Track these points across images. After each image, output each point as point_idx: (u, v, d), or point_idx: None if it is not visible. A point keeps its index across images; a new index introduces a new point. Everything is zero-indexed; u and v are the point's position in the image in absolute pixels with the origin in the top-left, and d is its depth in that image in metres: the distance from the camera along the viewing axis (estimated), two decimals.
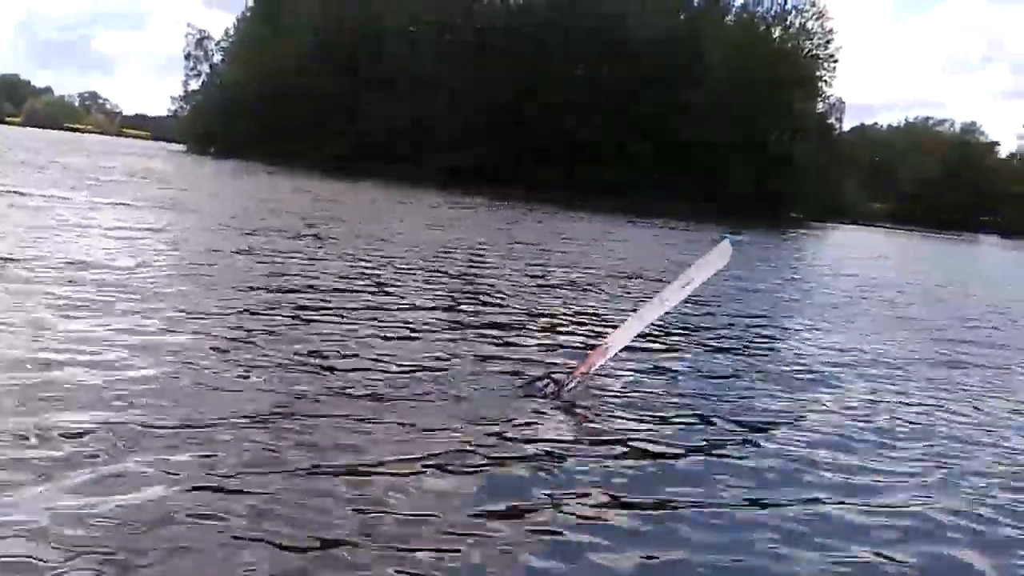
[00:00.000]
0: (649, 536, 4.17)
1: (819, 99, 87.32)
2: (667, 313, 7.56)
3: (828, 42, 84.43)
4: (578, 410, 6.24)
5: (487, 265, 15.37)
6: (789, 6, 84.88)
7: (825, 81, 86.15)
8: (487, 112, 72.30)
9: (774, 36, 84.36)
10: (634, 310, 7.90)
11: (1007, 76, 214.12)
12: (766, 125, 75.92)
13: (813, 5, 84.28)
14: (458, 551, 3.79)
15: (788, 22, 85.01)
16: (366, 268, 12.74)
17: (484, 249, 18.02)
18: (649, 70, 74.16)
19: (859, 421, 6.70)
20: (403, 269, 13.22)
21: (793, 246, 40.23)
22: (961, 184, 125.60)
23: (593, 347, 7.37)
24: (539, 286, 13.27)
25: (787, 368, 8.69)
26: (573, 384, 6.62)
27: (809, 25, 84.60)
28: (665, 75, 74.75)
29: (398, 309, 9.52)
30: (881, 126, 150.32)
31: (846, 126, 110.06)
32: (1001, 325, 15.47)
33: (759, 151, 74.42)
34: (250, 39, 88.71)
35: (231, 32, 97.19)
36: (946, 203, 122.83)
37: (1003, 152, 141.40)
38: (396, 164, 67.35)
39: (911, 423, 6.86)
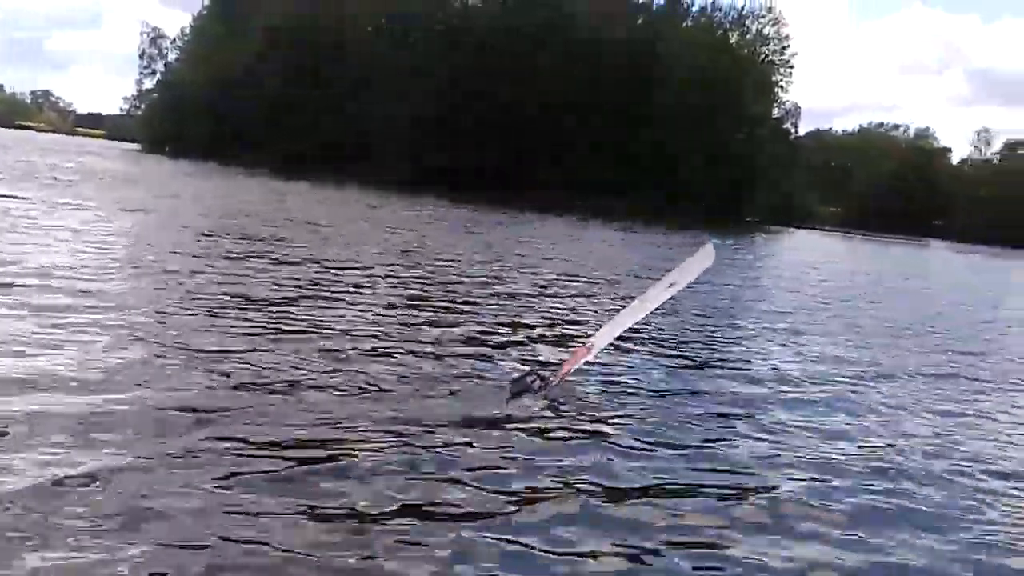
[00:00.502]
0: (629, 522, 4.34)
1: (776, 104, 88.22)
2: (652, 313, 7.92)
3: (784, 48, 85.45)
4: (563, 405, 6.39)
5: (452, 270, 15.18)
6: (746, 11, 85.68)
7: (782, 86, 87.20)
8: (447, 113, 72.19)
9: (732, 41, 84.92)
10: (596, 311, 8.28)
11: (962, 82, 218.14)
12: (724, 129, 76.40)
13: (770, 11, 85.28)
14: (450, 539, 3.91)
15: (745, 27, 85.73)
16: (336, 273, 12.53)
17: (447, 254, 17.81)
18: (608, 73, 74.40)
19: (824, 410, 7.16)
20: (366, 273, 13.04)
21: (754, 250, 40.44)
22: (914, 189, 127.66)
23: (578, 346, 7.67)
24: (510, 293, 13.09)
25: (761, 368, 9.00)
26: (559, 381, 6.82)
27: (766, 31, 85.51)
28: (624, 78, 75.01)
29: (371, 312, 9.50)
30: (837, 131, 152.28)
31: (803, 131, 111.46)
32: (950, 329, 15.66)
33: (717, 155, 74.91)
34: (206, 38, 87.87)
35: (187, 31, 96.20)
36: (900, 208, 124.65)
37: (955, 158, 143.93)
38: (352, 165, 67.10)
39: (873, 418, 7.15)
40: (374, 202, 37.59)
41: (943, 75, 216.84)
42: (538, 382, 6.72)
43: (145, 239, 14.50)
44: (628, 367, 8.00)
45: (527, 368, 7.23)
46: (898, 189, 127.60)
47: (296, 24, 78.55)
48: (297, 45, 77.64)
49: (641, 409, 6.56)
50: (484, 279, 14.20)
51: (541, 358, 7.97)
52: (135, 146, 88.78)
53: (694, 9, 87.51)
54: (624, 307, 8.34)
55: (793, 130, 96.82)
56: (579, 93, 73.43)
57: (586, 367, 7.32)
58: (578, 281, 15.62)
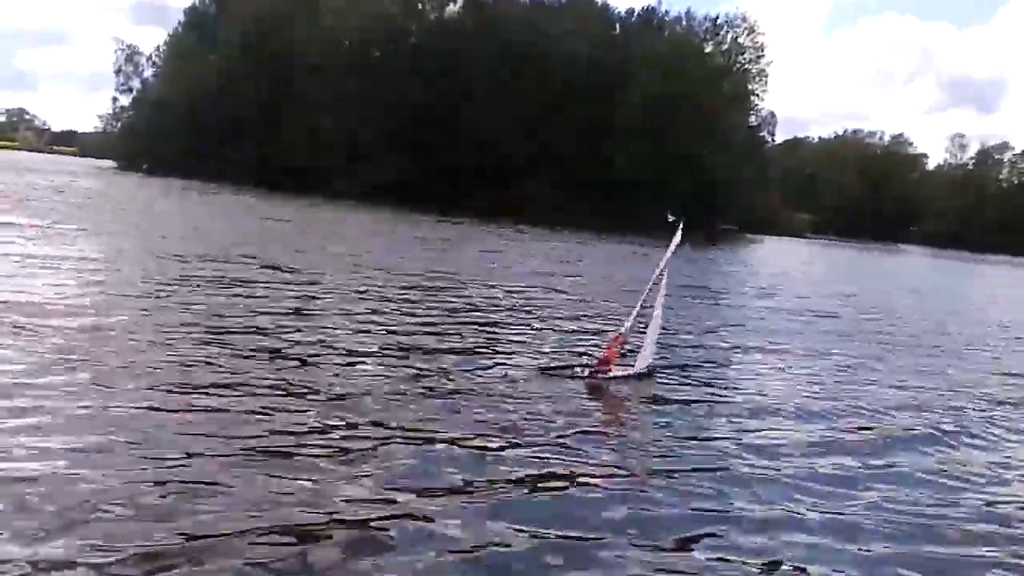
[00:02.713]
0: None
1: (751, 112, 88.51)
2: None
3: (759, 57, 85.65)
4: (596, 394, 7.68)
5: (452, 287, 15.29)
6: (721, 21, 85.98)
7: (757, 95, 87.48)
8: (415, 128, 72.20)
9: (707, 51, 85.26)
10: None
11: (936, 89, 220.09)
12: (699, 138, 76.50)
13: (744, 20, 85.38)
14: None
15: (720, 37, 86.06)
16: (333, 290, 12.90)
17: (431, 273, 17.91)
18: (583, 84, 74.61)
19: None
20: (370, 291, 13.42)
21: (731, 258, 40.71)
22: (890, 195, 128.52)
23: (609, 342, 8.69)
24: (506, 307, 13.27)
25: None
26: (590, 372, 8.04)
27: (741, 40, 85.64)
28: (599, 89, 75.19)
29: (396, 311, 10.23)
30: (812, 139, 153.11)
31: (779, 139, 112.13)
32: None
33: (692, 164, 75.06)
34: (182, 55, 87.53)
35: (163, 48, 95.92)
36: (874, 214, 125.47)
37: (931, 164, 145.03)
38: (324, 180, 67.16)
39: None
40: (364, 221, 37.64)
41: (918, 82, 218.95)
42: (575, 372, 7.93)
43: (130, 264, 14.47)
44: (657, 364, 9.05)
45: (566, 358, 8.50)
46: (873, 196, 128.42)
47: (266, 41, 78.48)
48: (271, 60, 77.53)
49: (665, 402, 7.79)
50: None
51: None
52: (110, 164, 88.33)
53: (669, 19, 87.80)
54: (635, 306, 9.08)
55: (769, 138, 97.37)
56: (554, 104, 73.57)
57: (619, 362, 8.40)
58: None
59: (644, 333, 8.89)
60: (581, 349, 9.85)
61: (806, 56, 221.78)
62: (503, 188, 70.82)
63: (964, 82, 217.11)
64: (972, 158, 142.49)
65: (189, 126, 78.92)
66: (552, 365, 8.33)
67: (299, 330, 9.43)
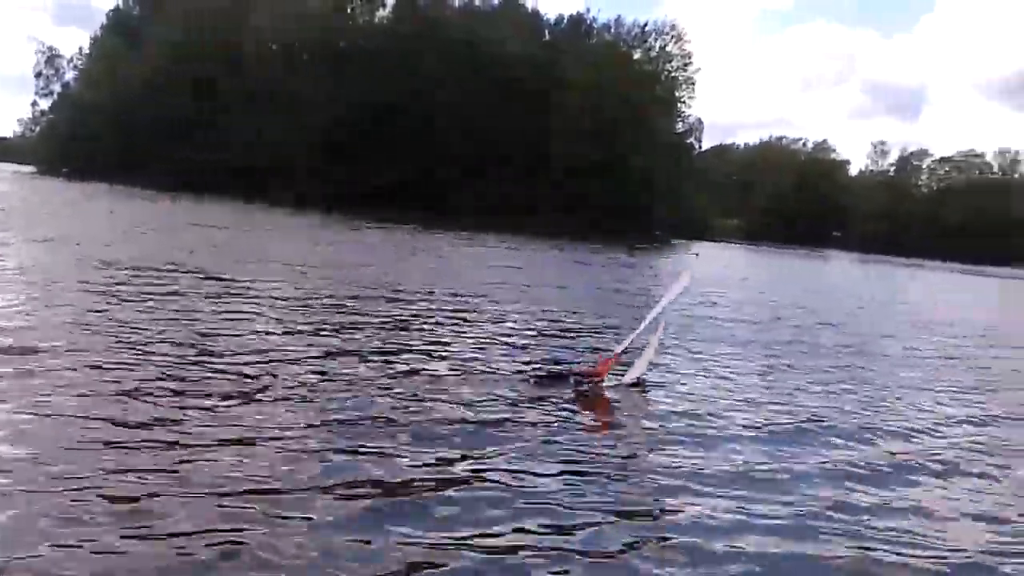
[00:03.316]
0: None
1: (679, 119, 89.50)
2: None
3: (687, 64, 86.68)
4: (597, 401, 8.22)
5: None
6: (649, 29, 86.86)
7: (684, 102, 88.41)
8: (350, 132, 71.76)
9: (635, 58, 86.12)
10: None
11: (861, 95, 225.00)
12: (627, 144, 77.18)
13: (672, 28, 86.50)
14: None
15: (648, 44, 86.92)
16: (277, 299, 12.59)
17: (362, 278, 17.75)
18: (513, 90, 74.79)
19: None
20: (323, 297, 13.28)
21: (662, 263, 41.12)
22: (814, 201, 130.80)
23: (607, 353, 9.36)
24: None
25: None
26: (591, 383, 8.47)
27: (669, 48, 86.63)
28: (530, 96, 75.50)
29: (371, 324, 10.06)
30: (739, 145, 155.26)
31: (706, 145, 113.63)
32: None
33: (620, 170, 75.72)
34: (106, 57, 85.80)
35: (85, 50, 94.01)
36: (800, 220, 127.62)
37: (853, 170, 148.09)
38: (256, 185, 66.17)
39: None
40: (292, 226, 37.16)
41: (843, 88, 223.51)
42: (574, 380, 8.33)
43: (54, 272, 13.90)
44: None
45: (562, 366, 8.78)
46: (798, 201, 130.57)
47: (197, 43, 77.35)
48: (197, 62, 76.40)
49: (661, 410, 8.12)
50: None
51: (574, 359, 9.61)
52: (30, 168, 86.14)
53: (598, 26, 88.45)
54: (635, 327, 9.68)
55: (696, 145, 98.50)
56: (485, 111, 73.66)
57: (612, 375, 8.83)
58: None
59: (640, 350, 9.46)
60: (546, 354, 10.04)
61: (733, 63, 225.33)
62: (439, 192, 70.75)
63: (887, 89, 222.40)
64: (893, 164, 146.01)
65: (113, 130, 77.42)
66: (544, 373, 8.66)
67: (233, 339, 9.23)
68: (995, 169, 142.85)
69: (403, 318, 12.32)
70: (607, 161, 74.77)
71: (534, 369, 8.80)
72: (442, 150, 72.61)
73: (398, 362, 8.88)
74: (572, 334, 12.45)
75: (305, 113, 72.13)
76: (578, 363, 9.30)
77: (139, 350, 8.12)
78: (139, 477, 4.96)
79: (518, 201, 70.59)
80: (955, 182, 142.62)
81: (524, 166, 74.34)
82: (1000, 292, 49.72)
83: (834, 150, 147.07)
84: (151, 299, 11.49)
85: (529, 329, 12.61)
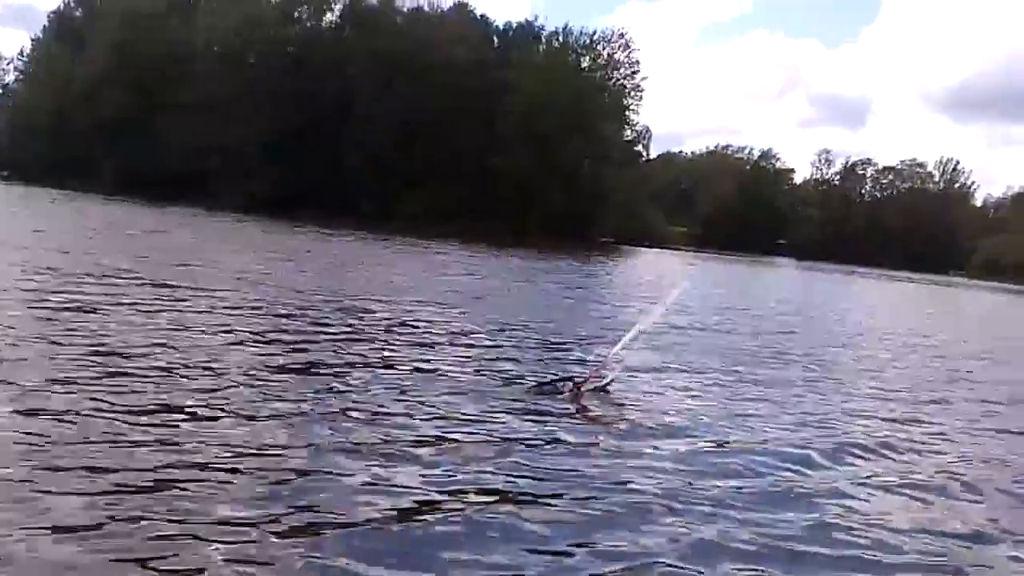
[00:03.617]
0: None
1: (626, 127, 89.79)
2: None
3: (635, 72, 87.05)
4: (592, 405, 8.39)
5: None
6: (598, 37, 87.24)
7: (632, 109, 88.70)
8: (293, 137, 71.42)
9: (583, 65, 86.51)
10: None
11: (805, 105, 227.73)
12: (575, 151, 77.53)
13: (621, 36, 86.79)
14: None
15: (597, 52, 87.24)
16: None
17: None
18: (461, 97, 74.85)
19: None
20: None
21: (609, 269, 41.42)
22: (759, 209, 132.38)
23: (602, 358, 9.61)
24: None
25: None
26: (589, 387, 8.76)
27: (617, 56, 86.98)
28: (477, 102, 75.62)
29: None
30: (687, 153, 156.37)
31: (654, 153, 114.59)
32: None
33: (568, 177, 76.16)
34: (47, 59, 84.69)
35: (26, 51, 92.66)
36: (745, 227, 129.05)
37: (797, 179, 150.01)
38: (198, 189, 65.70)
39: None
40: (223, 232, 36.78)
41: (788, 98, 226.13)
42: (570, 385, 8.64)
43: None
44: (645, 381, 10.07)
45: (557, 375, 9.10)
46: (743, 209, 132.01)
47: (137, 46, 76.56)
48: (138, 64, 75.62)
49: (657, 413, 8.41)
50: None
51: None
52: None
53: (546, 33, 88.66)
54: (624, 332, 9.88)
55: (644, 152, 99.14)
56: (431, 116, 73.65)
57: (603, 382, 9.06)
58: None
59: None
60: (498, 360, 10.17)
61: (681, 72, 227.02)
62: (385, 198, 70.58)
63: (832, 99, 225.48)
64: (837, 173, 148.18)
65: (55, 133, 76.43)
66: (543, 383, 8.93)
67: (172, 348, 8.96)
68: (936, 179, 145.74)
69: (361, 329, 12.00)
70: (555, 167, 75.13)
71: (538, 381, 9.04)
72: (388, 154, 72.41)
73: (367, 375, 8.70)
74: (540, 343, 12.36)
75: (248, 116, 71.58)
76: (570, 373, 9.46)
77: (79, 362, 7.76)
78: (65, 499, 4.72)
79: (464, 207, 70.77)
80: (898, 191, 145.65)
81: (470, 172, 74.45)
82: (925, 297, 50.58)
83: (779, 159, 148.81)
84: (83, 308, 10.94)
85: (497, 340, 12.38)
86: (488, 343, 11.96)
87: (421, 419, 7.12)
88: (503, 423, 7.36)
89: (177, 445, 5.72)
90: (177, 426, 6.19)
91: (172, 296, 12.97)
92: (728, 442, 7.60)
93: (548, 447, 6.81)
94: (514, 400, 8.18)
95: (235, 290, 14.82)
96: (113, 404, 6.48)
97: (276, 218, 49.96)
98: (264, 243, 30.66)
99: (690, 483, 6.23)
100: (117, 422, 6.07)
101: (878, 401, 10.85)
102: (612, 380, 9.24)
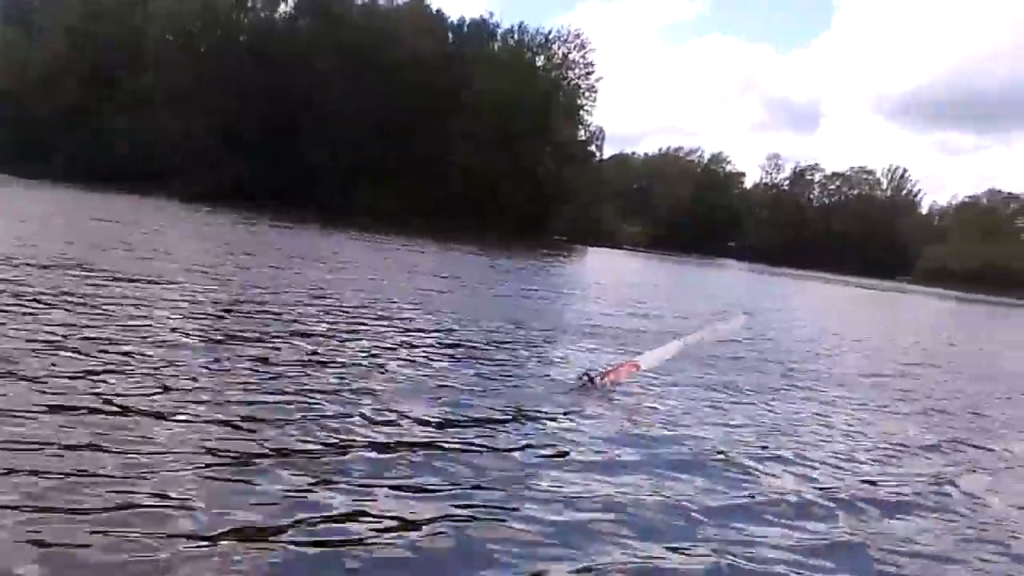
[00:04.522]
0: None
1: (581, 126, 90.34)
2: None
3: (589, 73, 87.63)
4: (610, 400, 8.51)
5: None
6: (553, 36, 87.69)
7: (587, 109, 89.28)
8: (248, 128, 71.46)
9: (539, 65, 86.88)
10: None
11: (758, 109, 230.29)
12: (530, 150, 77.90)
13: (576, 36, 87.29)
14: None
15: (552, 51, 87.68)
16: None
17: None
18: (417, 93, 75.00)
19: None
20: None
21: (565, 268, 41.64)
22: (710, 210, 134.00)
23: (625, 361, 9.96)
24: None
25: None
26: (606, 383, 9.04)
27: (572, 56, 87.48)
28: (433, 99, 75.83)
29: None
30: (640, 154, 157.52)
31: (608, 153, 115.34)
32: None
33: (524, 176, 76.56)
34: (2, 45, 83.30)
35: None
36: (698, 228, 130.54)
37: (748, 182, 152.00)
38: (155, 179, 65.14)
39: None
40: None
41: (741, 101, 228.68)
42: (588, 381, 8.87)
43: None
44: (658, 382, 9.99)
45: (584, 370, 9.16)
46: (695, 210, 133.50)
47: (91, 34, 75.91)
48: (94, 52, 75.02)
49: (665, 412, 8.42)
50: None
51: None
52: None
53: (502, 31, 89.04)
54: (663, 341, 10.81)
55: (598, 152, 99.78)
56: (386, 112, 73.75)
57: (632, 378, 9.53)
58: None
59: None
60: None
61: (636, 72, 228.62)
62: (343, 192, 70.61)
63: (784, 104, 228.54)
64: (787, 178, 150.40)
65: (10, 119, 75.43)
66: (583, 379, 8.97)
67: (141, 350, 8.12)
68: (884, 186, 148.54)
69: (338, 327, 11.34)
70: (509, 165, 75.52)
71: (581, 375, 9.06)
72: (342, 149, 72.53)
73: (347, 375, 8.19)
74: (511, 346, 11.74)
75: (203, 107, 71.47)
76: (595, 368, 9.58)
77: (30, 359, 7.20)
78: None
79: (418, 203, 70.97)
80: (846, 197, 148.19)
81: (425, 168, 74.67)
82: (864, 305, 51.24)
83: (730, 162, 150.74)
84: (37, 300, 10.18)
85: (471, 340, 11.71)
86: (447, 342, 11.35)
87: (373, 421, 6.65)
88: (451, 431, 6.79)
89: (104, 450, 5.21)
90: (108, 431, 5.59)
91: (114, 290, 11.91)
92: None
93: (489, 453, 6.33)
94: (469, 403, 7.67)
95: (201, 284, 13.94)
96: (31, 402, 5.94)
97: (228, 210, 48.98)
98: (211, 234, 30.10)
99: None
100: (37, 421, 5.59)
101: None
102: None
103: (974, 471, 7.94)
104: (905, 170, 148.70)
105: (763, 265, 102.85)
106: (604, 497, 5.56)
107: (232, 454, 5.42)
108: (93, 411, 5.90)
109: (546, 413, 7.67)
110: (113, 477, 4.78)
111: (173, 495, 4.63)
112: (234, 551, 4.13)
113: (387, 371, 8.61)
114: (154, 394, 6.57)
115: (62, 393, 6.19)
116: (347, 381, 7.80)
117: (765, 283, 58.19)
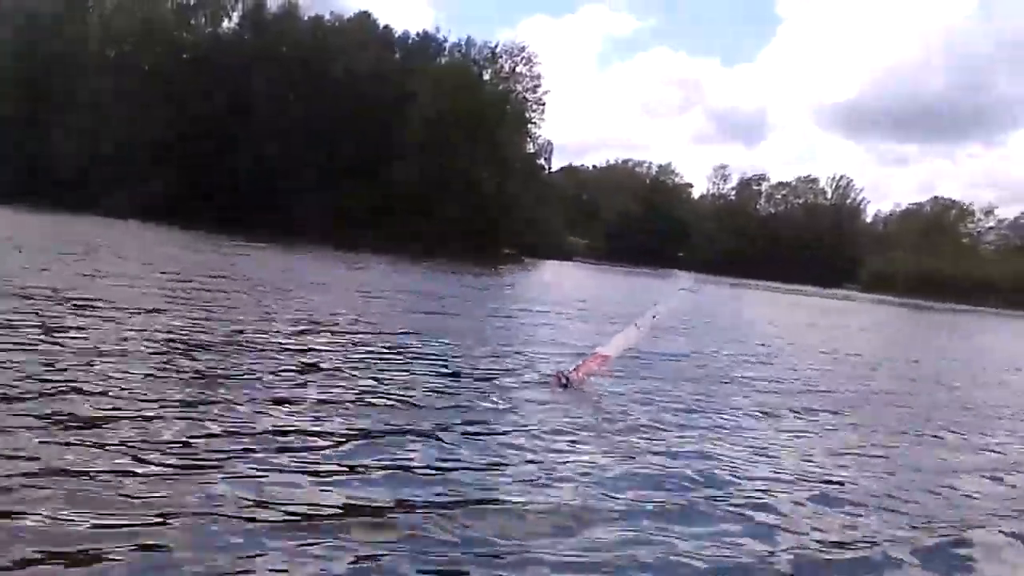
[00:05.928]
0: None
1: (529, 140, 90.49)
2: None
3: (537, 86, 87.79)
4: (580, 397, 9.26)
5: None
6: (500, 49, 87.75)
7: (534, 123, 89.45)
8: (188, 143, 70.62)
9: (485, 78, 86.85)
10: None
11: (702, 121, 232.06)
12: (477, 164, 77.74)
13: (523, 50, 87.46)
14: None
15: (499, 65, 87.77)
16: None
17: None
18: (360, 106, 74.56)
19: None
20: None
21: (510, 281, 41.46)
22: (658, 222, 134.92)
23: (590, 355, 10.44)
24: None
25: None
26: (577, 380, 9.72)
27: (519, 69, 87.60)
28: (378, 112, 75.47)
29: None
30: (587, 166, 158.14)
31: (556, 166, 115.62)
32: None
33: (470, 189, 76.30)
34: None
35: None
36: (646, 240, 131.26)
37: (695, 193, 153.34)
38: (91, 194, 64.05)
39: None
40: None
41: (687, 114, 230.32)
42: (561, 379, 9.58)
43: None
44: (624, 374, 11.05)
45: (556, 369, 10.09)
46: (643, 222, 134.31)
47: (31, 42, 74.42)
48: (30, 64, 73.46)
49: (638, 403, 9.31)
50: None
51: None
52: None
53: (448, 45, 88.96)
54: (620, 330, 11.08)
55: (546, 165, 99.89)
56: (331, 125, 73.23)
57: (599, 373, 10.22)
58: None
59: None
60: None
61: (584, 85, 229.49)
62: (281, 207, 69.69)
63: (730, 116, 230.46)
64: (733, 188, 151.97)
65: None
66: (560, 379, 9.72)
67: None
68: (828, 195, 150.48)
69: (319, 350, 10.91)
70: (456, 178, 75.27)
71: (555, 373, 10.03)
72: (284, 163, 71.82)
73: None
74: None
75: (142, 121, 70.30)
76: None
77: None
78: None
79: (363, 217, 70.37)
80: (792, 206, 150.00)
81: (371, 181, 74.09)
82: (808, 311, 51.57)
83: (678, 173, 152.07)
84: None
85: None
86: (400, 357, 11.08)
87: (337, 429, 6.70)
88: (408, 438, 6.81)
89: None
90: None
91: (40, 310, 11.26)
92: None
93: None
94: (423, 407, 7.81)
95: (149, 304, 13.35)
96: None
97: (171, 226, 48.62)
98: (169, 255, 29.42)
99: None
100: None
101: None
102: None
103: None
104: (850, 180, 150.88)
105: (711, 276, 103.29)
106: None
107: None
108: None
109: (528, 408, 8.43)
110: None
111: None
112: None
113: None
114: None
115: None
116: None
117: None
